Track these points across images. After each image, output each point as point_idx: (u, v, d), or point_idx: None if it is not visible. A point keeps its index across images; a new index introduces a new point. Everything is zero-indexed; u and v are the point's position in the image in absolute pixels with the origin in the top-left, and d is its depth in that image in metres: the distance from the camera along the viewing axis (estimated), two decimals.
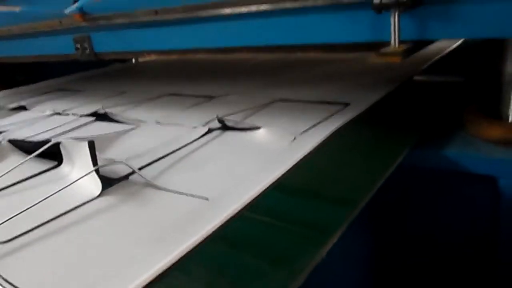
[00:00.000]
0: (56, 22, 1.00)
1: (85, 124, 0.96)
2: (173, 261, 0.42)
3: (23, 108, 1.20)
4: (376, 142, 0.68)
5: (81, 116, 1.02)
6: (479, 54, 0.79)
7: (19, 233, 0.50)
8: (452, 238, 0.68)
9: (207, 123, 0.82)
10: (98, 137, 0.77)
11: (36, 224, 0.52)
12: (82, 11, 0.91)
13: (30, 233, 0.50)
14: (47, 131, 0.92)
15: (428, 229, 0.70)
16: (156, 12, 0.80)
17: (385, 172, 0.56)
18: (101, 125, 0.95)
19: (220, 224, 0.47)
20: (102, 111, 1.01)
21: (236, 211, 0.50)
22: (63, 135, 0.88)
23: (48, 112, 1.10)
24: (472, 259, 0.68)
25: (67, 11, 0.84)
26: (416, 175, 0.68)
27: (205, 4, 0.73)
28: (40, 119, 1.05)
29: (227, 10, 0.71)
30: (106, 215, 0.54)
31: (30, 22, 1.08)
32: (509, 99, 0.65)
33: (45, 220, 0.53)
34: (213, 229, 0.46)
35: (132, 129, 0.87)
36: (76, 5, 0.82)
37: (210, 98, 1.06)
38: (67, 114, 1.07)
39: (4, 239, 0.49)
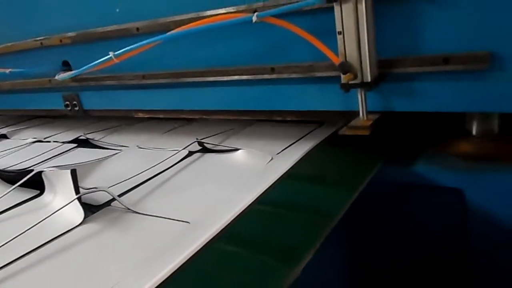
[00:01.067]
0: (46, 81, 1.04)
1: (67, 151, 0.96)
2: (159, 283, 0.43)
3: (3, 136, 1.21)
4: (349, 160, 0.70)
5: (62, 142, 1.02)
6: None
7: (2, 264, 0.51)
8: (424, 250, 0.70)
9: (187, 146, 0.82)
10: (80, 165, 0.79)
11: (19, 255, 0.52)
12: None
13: (13, 264, 0.51)
14: (29, 159, 0.92)
15: (400, 241, 0.72)
16: (143, 76, 0.85)
17: (358, 188, 0.57)
18: (83, 151, 0.95)
19: (201, 246, 0.48)
20: (83, 137, 1.02)
21: (217, 232, 0.50)
22: (45, 163, 0.89)
23: (29, 140, 1.10)
24: (443, 270, 0.70)
25: (59, 77, 0.88)
26: (387, 190, 0.70)
27: (189, 71, 0.79)
28: (22, 147, 1.05)
29: (211, 78, 0.77)
30: (90, 242, 0.55)
31: (20, 80, 1.12)
32: (472, 113, 0.68)
33: (29, 250, 0.53)
34: (195, 251, 0.47)
35: (114, 154, 0.88)
36: (67, 74, 0.86)
37: (189, 120, 1.06)
38: (49, 141, 1.07)
39: None
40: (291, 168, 0.66)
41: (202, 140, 0.83)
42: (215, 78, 0.76)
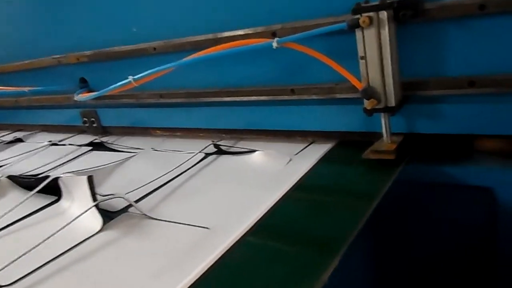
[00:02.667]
0: (64, 98, 1.05)
1: (82, 154, 0.95)
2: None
3: (19, 140, 1.19)
4: (371, 159, 0.65)
5: (78, 146, 1.01)
6: None
7: (22, 274, 0.50)
8: (451, 251, 0.68)
9: (203, 149, 0.80)
10: (95, 169, 0.79)
11: (39, 264, 0.52)
12: (89, 89, 0.96)
13: (34, 273, 0.50)
14: (45, 164, 0.92)
15: (426, 242, 0.70)
16: (161, 95, 0.85)
17: (383, 187, 0.56)
18: (98, 154, 0.94)
19: (222, 253, 0.47)
20: (98, 141, 1.01)
21: (237, 238, 0.49)
22: (61, 167, 0.89)
23: (44, 143, 1.08)
24: (470, 272, 0.68)
25: (78, 98, 0.89)
26: (412, 189, 0.67)
27: (206, 91, 0.78)
28: (37, 151, 1.04)
29: (227, 98, 0.76)
30: (108, 250, 0.54)
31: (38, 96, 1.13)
32: None
33: (49, 259, 0.53)
34: (216, 258, 0.46)
35: (129, 157, 0.86)
36: (87, 96, 0.86)
37: None
38: (64, 145, 1.05)
39: (7, 282, 0.49)
40: (311, 168, 0.64)
41: (218, 143, 0.81)
42: (232, 99, 0.76)
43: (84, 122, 1.06)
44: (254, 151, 0.74)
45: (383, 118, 0.59)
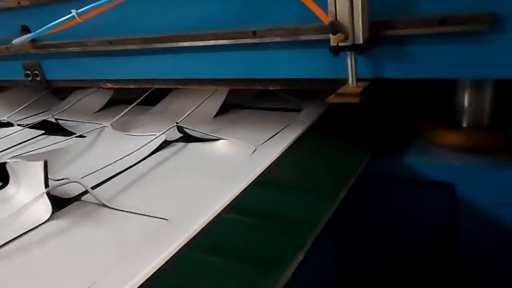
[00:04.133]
0: (3, 48, 0.95)
1: (34, 138, 0.88)
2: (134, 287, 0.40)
3: None
4: (336, 151, 0.67)
5: (27, 126, 0.94)
6: None
7: None
8: (412, 245, 0.69)
9: (165, 131, 0.76)
10: (46, 153, 0.72)
11: None
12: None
13: None
14: None
15: (388, 236, 0.71)
16: (110, 42, 0.78)
17: (350, 180, 0.55)
18: (51, 139, 0.87)
19: (180, 247, 0.44)
20: (52, 119, 0.94)
21: (196, 232, 0.47)
22: (9, 151, 0.81)
23: None
24: (431, 266, 0.69)
25: (16, 41, 0.80)
26: (375, 182, 0.68)
27: (162, 36, 0.72)
28: None
29: (186, 43, 0.70)
30: (58, 240, 0.50)
31: None
32: (463, 104, 0.66)
33: None
34: (173, 252, 0.44)
35: (83, 137, 0.81)
36: (25, 37, 0.77)
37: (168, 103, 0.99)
38: (12, 125, 0.98)
39: None
40: (275, 160, 0.62)
41: (182, 126, 0.76)
42: (190, 43, 0.70)
43: (27, 76, 0.97)
44: (219, 139, 0.71)
45: (349, 58, 0.55)
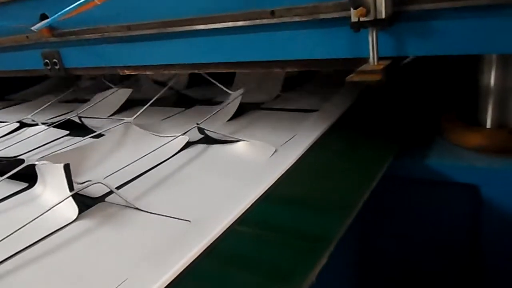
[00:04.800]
0: (23, 37, 0.96)
1: (59, 138, 0.90)
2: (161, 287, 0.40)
3: None
4: (358, 151, 0.67)
5: (52, 125, 0.97)
6: (454, 59, 0.79)
7: None
8: (436, 248, 0.68)
9: (186, 132, 0.77)
10: (72, 155, 0.73)
11: (7, 255, 0.48)
12: (50, 26, 0.88)
13: (2, 264, 0.47)
14: (13, 144, 0.87)
15: (411, 238, 0.70)
16: (129, 28, 0.78)
17: (372, 182, 0.55)
18: (76, 139, 0.89)
19: (203, 248, 0.45)
20: (75, 119, 0.96)
21: (220, 233, 0.47)
22: (35, 152, 0.83)
23: (14, 122, 1.03)
24: (454, 268, 0.68)
25: (35, 27, 0.81)
26: (398, 184, 0.67)
27: (180, 20, 0.71)
28: (6, 131, 0.99)
29: (202, 26, 0.70)
30: (84, 241, 0.51)
31: None
32: (487, 105, 0.65)
33: (16, 250, 0.49)
34: (197, 254, 0.44)
35: (107, 139, 0.81)
36: (43, 23, 0.78)
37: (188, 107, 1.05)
38: (36, 124, 1.00)
39: None
40: (295, 162, 0.62)
41: (203, 127, 0.77)
42: (207, 26, 0.69)
43: (46, 64, 0.97)
44: (239, 140, 0.72)
45: (371, 35, 0.54)
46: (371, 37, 0.54)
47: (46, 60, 0.97)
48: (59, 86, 1.55)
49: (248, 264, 0.43)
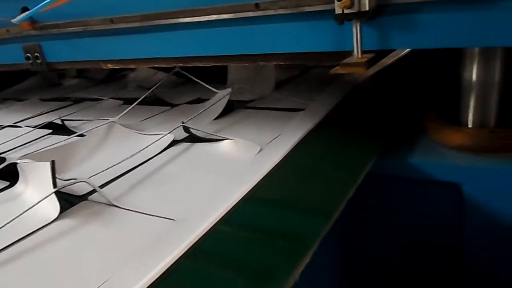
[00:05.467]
0: (3, 31, 0.94)
1: (42, 137, 0.90)
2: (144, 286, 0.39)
3: None
4: (343, 150, 0.67)
5: (35, 127, 0.96)
6: (437, 58, 0.80)
7: None
8: (419, 245, 0.68)
9: (171, 131, 0.77)
10: (54, 154, 0.71)
11: None
12: (31, 19, 0.86)
13: None
14: None
15: (394, 236, 0.71)
16: (112, 21, 0.77)
17: (356, 180, 0.55)
18: (58, 138, 0.87)
19: (188, 247, 0.44)
20: (58, 121, 0.95)
21: (204, 232, 0.46)
22: (17, 150, 0.82)
23: None
24: (437, 266, 0.69)
25: (16, 20, 0.79)
26: (382, 183, 0.68)
27: (163, 12, 0.71)
28: None
29: (186, 19, 0.69)
30: (66, 239, 0.50)
31: None
32: (469, 104, 0.66)
33: None
34: (181, 253, 0.43)
35: (91, 138, 0.80)
36: (24, 15, 0.76)
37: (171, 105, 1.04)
38: (19, 126, 1.00)
39: None
40: (280, 161, 0.62)
41: (188, 126, 0.77)
42: (192, 19, 0.68)
43: (27, 58, 0.96)
44: (224, 139, 0.72)
45: (354, 27, 0.54)
46: (355, 30, 0.54)
47: (28, 54, 0.95)
48: (43, 84, 1.53)
49: (231, 263, 0.43)
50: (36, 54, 0.93)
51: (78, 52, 0.87)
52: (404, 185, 0.67)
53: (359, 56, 0.55)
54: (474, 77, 0.64)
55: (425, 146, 0.68)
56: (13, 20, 0.80)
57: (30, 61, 0.95)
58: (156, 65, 0.79)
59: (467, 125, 0.66)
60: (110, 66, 0.85)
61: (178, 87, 1.25)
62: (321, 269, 0.61)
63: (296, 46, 0.63)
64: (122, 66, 0.84)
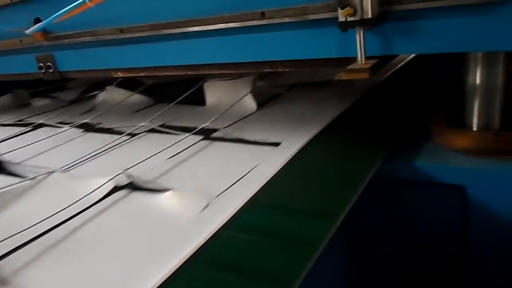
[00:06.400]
0: (17, 41, 0.97)
1: None
2: None
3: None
4: (349, 153, 0.68)
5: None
6: (442, 63, 0.81)
7: None
8: (424, 248, 0.69)
9: (113, 177, 0.65)
10: None
11: None
12: (43, 30, 0.89)
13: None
14: None
15: (400, 239, 0.71)
16: (121, 30, 0.79)
17: (362, 184, 0.56)
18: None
19: None
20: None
21: None
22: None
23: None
24: (443, 268, 0.69)
25: (29, 31, 0.81)
26: (386, 186, 0.69)
27: (172, 22, 0.72)
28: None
29: (195, 28, 0.71)
30: None
31: None
32: (473, 108, 0.67)
33: None
34: None
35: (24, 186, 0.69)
36: (37, 26, 0.79)
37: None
38: None
39: None
40: (285, 165, 0.61)
41: (131, 171, 0.66)
42: (200, 28, 0.70)
43: (40, 68, 0.98)
44: (166, 190, 0.60)
45: (358, 34, 0.55)
46: (359, 37, 0.55)
47: (40, 64, 0.97)
48: (15, 102, 1.45)
49: (238, 267, 0.42)
50: (49, 63, 0.96)
51: (89, 61, 0.90)
52: (410, 187, 0.68)
53: (363, 62, 0.56)
54: (478, 81, 0.65)
55: (430, 149, 0.69)
56: (26, 31, 0.82)
57: (43, 71, 0.98)
58: (166, 73, 0.81)
59: (472, 128, 0.67)
60: (120, 74, 0.87)
61: (145, 109, 1.14)
62: (326, 272, 0.62)
63: (301, 53, 0.64)
64: (132, 75, 0.86)
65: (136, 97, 1.21)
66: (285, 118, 0.88)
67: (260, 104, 0.98)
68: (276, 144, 0.72)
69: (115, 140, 0.87)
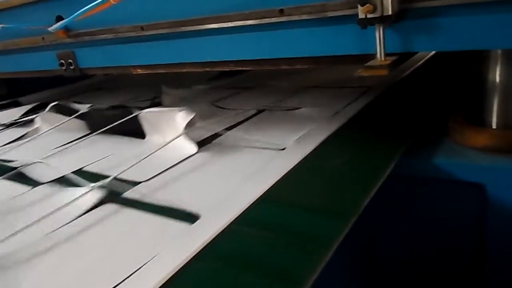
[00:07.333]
0: (39, 39, 0.99)
1: None
2: None
3: None
4: (366, 151, 0.68)
5: None
6: (461, 60, 0.80)
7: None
8: (442, 246, 0.69)
9: (91, 188, 0.60)
10: None
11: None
12: (65, 28, 0.90)
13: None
14: None
15: (417, 237, 0.71)
16: (142, 28, 0.80)
17: (378, 181, 0.56)
18: None
19: None
20: None
21: None
22: None
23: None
24: (460, 267, 0.69)
25: (52, 29, 0.83)
26: (404, 183, 0.69)
27: (191, 19, 0.73)
28: None
29: (213, 25, 0.71)
30: None
31: (12, 39, 1.07)
32: (492, 106, 0.67)
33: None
34: None
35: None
36: (60, 23, 0.80)
37: None
38: None
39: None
40: (301, 160, 0.61)
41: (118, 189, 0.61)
42: (218, 25, 0.71)
43: (61, 65, 1.00)
44: (159, 207, 0.56)
45: (377, 31, 0.55)
46: (378, 34, 0.55)
47: (62, 61, 1.00)
48: None
49: (251, 263, 0.42)
50: (70, 60, 0.98)
51: (110, 58, 0.91)
52: (428, 185, 0.68)
53: (382, 59, 0.56)
54: (497, 78, 0.65)
55: (449, 146, 0.69)
56: (49, 29, 0.84)
57: (64, 67, 1.00)
58: (185, 70, 0.82)
59: (491, 126, 0.67)
60: (139, 71, 0.88)
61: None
62: (339, 270, 0.62)
63: (319, 50, 0.65)
64: (151, 71, 0.87)
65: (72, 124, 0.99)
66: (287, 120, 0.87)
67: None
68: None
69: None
